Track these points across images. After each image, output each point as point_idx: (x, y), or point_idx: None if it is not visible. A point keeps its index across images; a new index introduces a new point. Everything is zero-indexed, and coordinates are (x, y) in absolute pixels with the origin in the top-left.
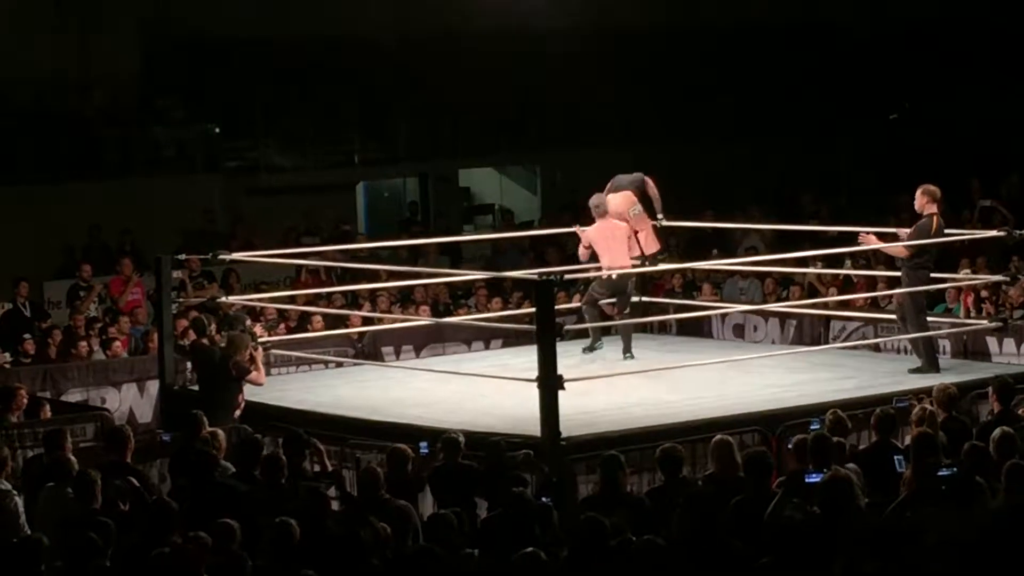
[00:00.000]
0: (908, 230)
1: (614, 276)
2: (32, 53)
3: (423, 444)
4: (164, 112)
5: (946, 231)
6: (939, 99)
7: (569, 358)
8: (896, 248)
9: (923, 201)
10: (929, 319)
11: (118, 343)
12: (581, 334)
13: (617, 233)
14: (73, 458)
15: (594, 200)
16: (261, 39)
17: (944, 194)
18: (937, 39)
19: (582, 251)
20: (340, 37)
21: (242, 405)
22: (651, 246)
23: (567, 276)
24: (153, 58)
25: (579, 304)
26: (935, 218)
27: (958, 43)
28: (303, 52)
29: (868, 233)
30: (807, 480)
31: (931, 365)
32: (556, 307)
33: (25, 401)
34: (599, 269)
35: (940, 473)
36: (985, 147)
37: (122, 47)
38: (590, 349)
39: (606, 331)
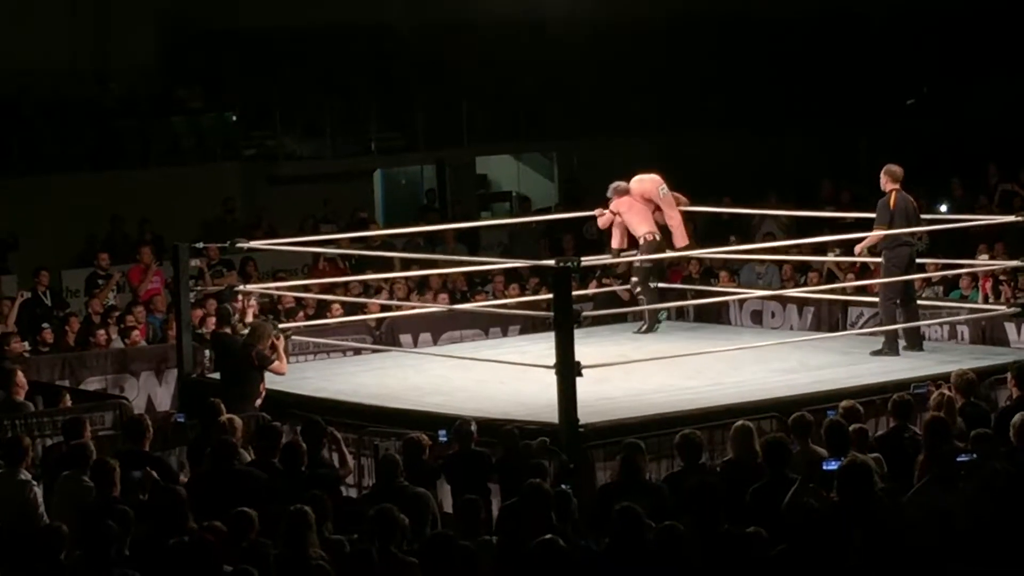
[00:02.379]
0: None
1: (650, 237)
2: (50, 44)
3: (442, 432)
4: (183, 101)
5: (963, 216)
6: (957, 84)
7: (587, 345)
8: (873, 237)
9: (884, 180)
10: (945, 304)
11: (136, 331)
12: (597, 321)
13: (638, 204)
14: (91, 444)
15: (614, 186)
16: (279, 28)
17: (963, 179)
18: (954, 24)
19: (604, 219)
20: (358, 25)
21: (263, 394)
22: (680, 239)
23: (584, 263)
24: (171, 47)
25: (595, 291)
26: (894, 194)
27: (975, 28)
28: (321, 40)
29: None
30: (825, 468)
31: (891, 348)
32: (573, 293)
33: (25, 381)
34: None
35: (959, 459)
36: (1003, 132)
37: (140, 37)
38: (650, 329)
39: (623, 317)
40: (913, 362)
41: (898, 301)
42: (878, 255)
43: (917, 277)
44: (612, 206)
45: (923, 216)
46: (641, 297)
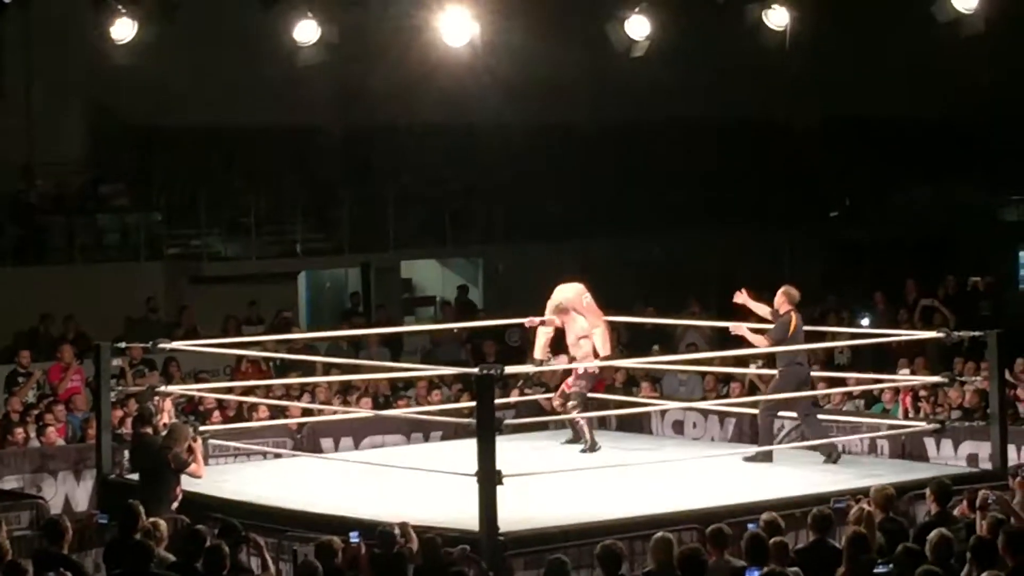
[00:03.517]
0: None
1: (595, 370)
2: None
3: (353, 534)
4: (108, 199)
5: (885, 331)
6: (879, 198)
7: (508, 453)
8: (759, 340)
9: (781, 300)
10: (865, 420)
11: (52, 430)
12: (519, 429)
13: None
14: (7, 545)
15: (555, 304)
16: (205, 128)
17: (885, 293)
18: (880, 139)
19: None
20: (284, 128)
21: (179, 497)
22: (606, 347)
23: (508, 371)
24: (98, 145)
25: (517, 399)
26: (792, 315)
27: (900, 143)
28: (247, 142)
29: (740, 326)
30: None
31: (765, 455)
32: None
33: None
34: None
35: (876, 571)
36: (924, 248)
37: (67, 134)
38: (591, 449)
39: (544, 425)
40: (832, 476)
41: (805, 414)
42: (771, 365)
43: (838, 391)
44: (560, 318)
45: (845, 329)
46: (580, 423)
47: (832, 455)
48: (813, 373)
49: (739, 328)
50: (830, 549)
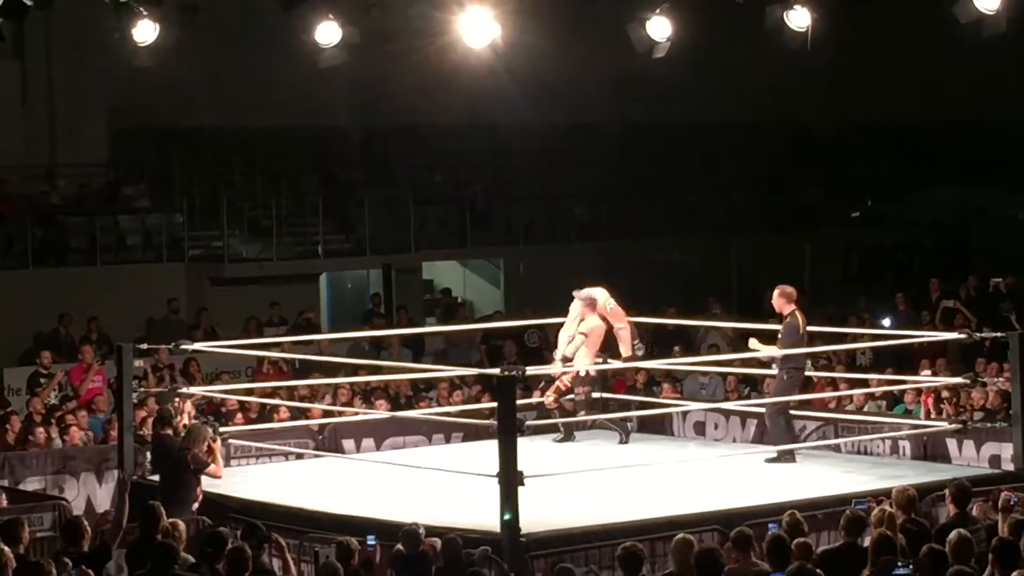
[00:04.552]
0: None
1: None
2: (0, 140)
3: (371, 537)
4: (130, 200)
5: (907, 332)
6: (901, 200)
7: (530, 454)
8: (771, 350)
9: (781, 303)
10: (889, 420)
11: (75, 430)
12: (539, 430)
13: (597, 334)
14: (8, 550)
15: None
16: (227, 129)
17: (906, 294)
18: (901, 141)
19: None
20: (306, 128)
21: (200, 498)
22: (627, 348)
23: (529, 372)
24: (120, 146)
25: (539, 399)
26: (797, 315)
27: (921, 145)
28: (269, 143)
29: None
30: None
31: (788, 456)
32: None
33: None
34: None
35: (895, 572)
36: (946, 249)
37: (89, 135)
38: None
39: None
40: (854, 477)
41: (771, 414)
42: (767, 365)
43: (860, 392)
44: (581, 314)
45: (867, 331)
46: (582, 412)
47: (785, 456)
48: (835, 375)
49: (756, 346)
50: (858, 552)
